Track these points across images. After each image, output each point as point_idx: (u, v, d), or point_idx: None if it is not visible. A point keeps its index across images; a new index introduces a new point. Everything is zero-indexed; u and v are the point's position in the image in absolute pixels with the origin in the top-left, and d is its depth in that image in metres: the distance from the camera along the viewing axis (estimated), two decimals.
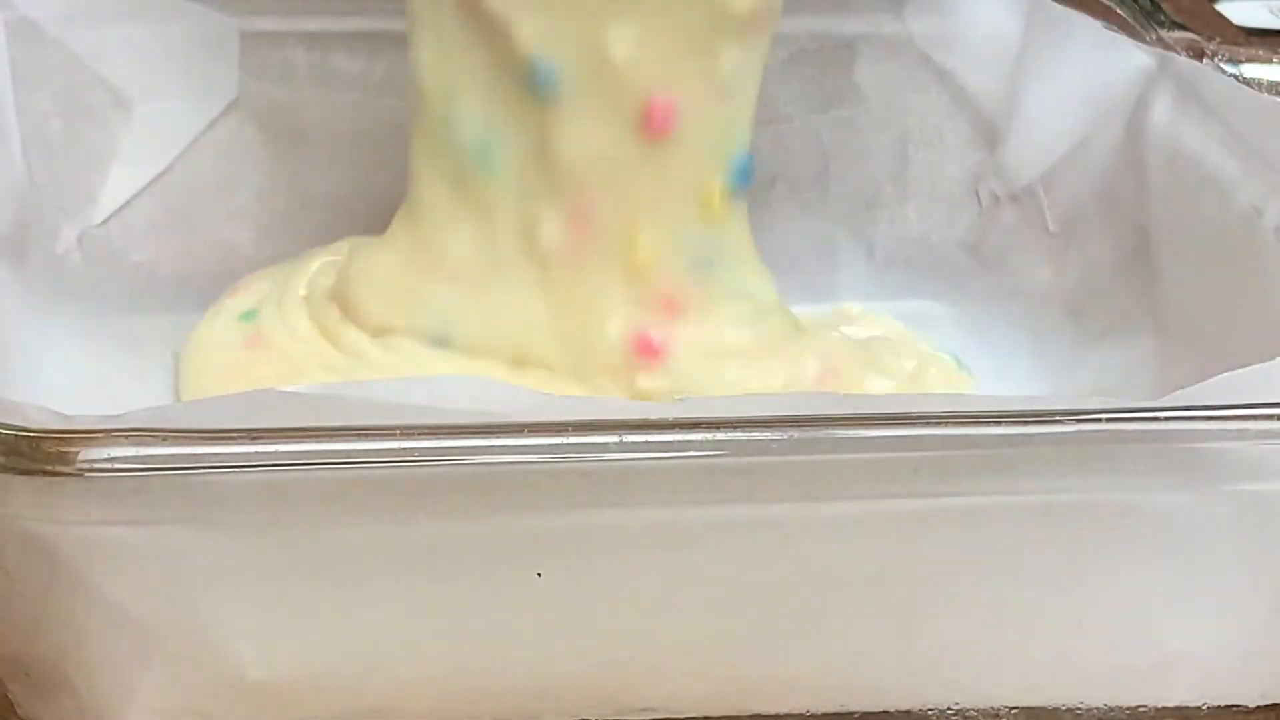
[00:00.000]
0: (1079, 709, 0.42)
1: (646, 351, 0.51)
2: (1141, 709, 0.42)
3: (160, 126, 0.60)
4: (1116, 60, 0.58)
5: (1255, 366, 0.41)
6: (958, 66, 0.63)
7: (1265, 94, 0.54)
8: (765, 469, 0.39)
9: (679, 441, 0.38)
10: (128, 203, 0.60)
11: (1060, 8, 0.60)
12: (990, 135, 0.62)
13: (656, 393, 0.51)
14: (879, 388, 0.55)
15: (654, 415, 0.39)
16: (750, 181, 0.52)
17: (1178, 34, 0.57)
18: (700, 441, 0.38)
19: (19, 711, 0.39)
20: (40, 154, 0.58)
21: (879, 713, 0.42)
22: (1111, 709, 0.42)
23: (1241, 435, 0.40)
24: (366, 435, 0.37)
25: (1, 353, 0.48)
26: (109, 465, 0.36)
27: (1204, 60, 0.56)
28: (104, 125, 0.60)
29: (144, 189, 0.61)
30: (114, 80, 0.60)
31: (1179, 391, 0.41)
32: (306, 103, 0.61)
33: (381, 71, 0.60)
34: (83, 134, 0.60)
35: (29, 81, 0.58)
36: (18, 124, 0.57)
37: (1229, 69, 0.55)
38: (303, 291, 0.56)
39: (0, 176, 0.56)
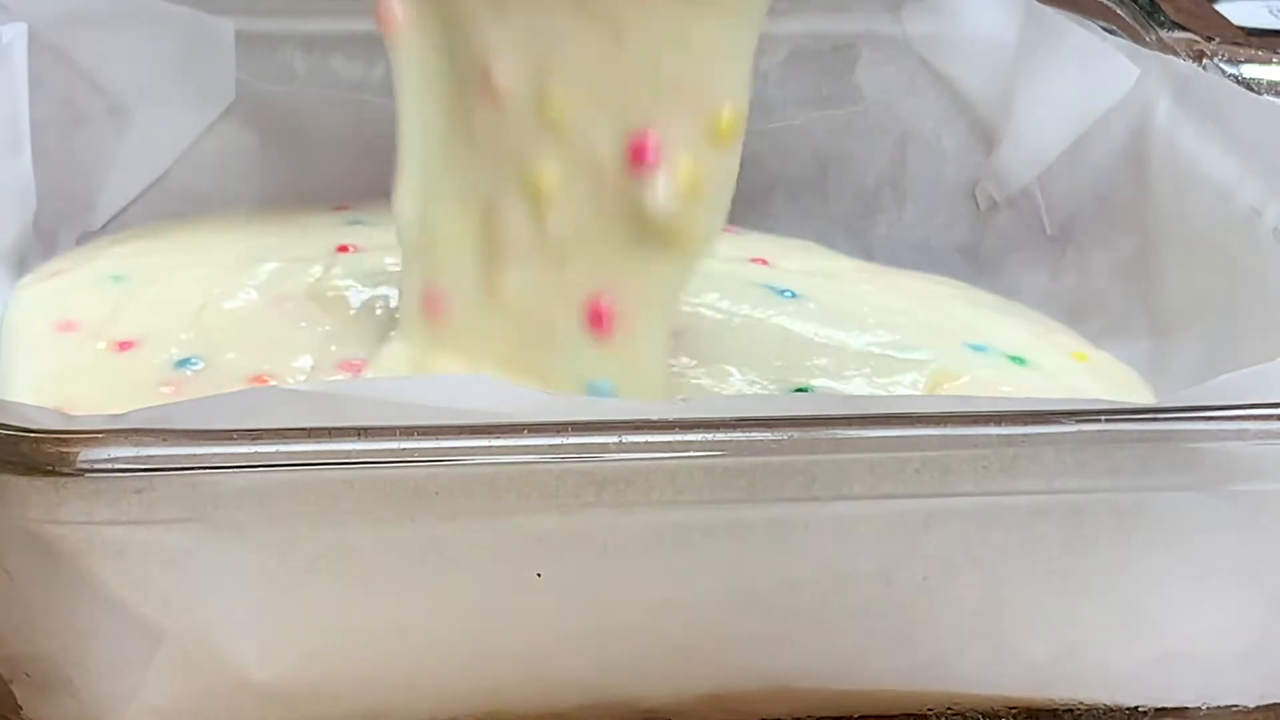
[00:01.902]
0: (1078, 709, 0.42)
1: None
2: (1141, 709, 0.42)
3: (157, 131, 0.60)
4: (1111, 63, 0.58)
5: (1255, 367, 0.41)
6: (955, 69, 0.63)
7: (1264, 94, 0.54)
8: (765, 469, 0.39)
9: (679, 442, 0.38)
10: (125, 208, 0.60)
11: (1055, 10, 0.60)
12: (988, 139, 0.62)
13: None
14: None
15: (654, 415, 0.39)
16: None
17: (1178, 34, 0.57)
18: (700, 442, 0.38)
19: (22, 713, 0.39)
20: (38, 160, 0.58)
21: (878, 716, 0.42)
22: (1111, 709, 0.42)
23: (1241, 435, 0.40)
24: (366, 435, 0.37)
25: (2, 355, 0.48)
26: (110, 465, 0.36)
27: (1203, 60, 0.56)
28: (101, 130, 0.60)
29: (141, 194, 0.61)
30: (110, 85, 0.60)
31: (1179, 391, 0.41)
32: (305, 106, 0.61)
33: (381, 74, 0.60)
34: (80, 139, 0.60)
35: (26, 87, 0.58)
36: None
37: (1229, 69, 0.55)
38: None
39: (13, 186, 0.56)
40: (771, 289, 0.56)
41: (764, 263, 0.58)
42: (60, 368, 0.49)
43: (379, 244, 0.56)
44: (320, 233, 0.58)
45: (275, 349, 0.50)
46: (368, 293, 0.53)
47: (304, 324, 0.51)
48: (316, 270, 0.54)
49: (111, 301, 0.53)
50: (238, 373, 0.48)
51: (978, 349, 0.53)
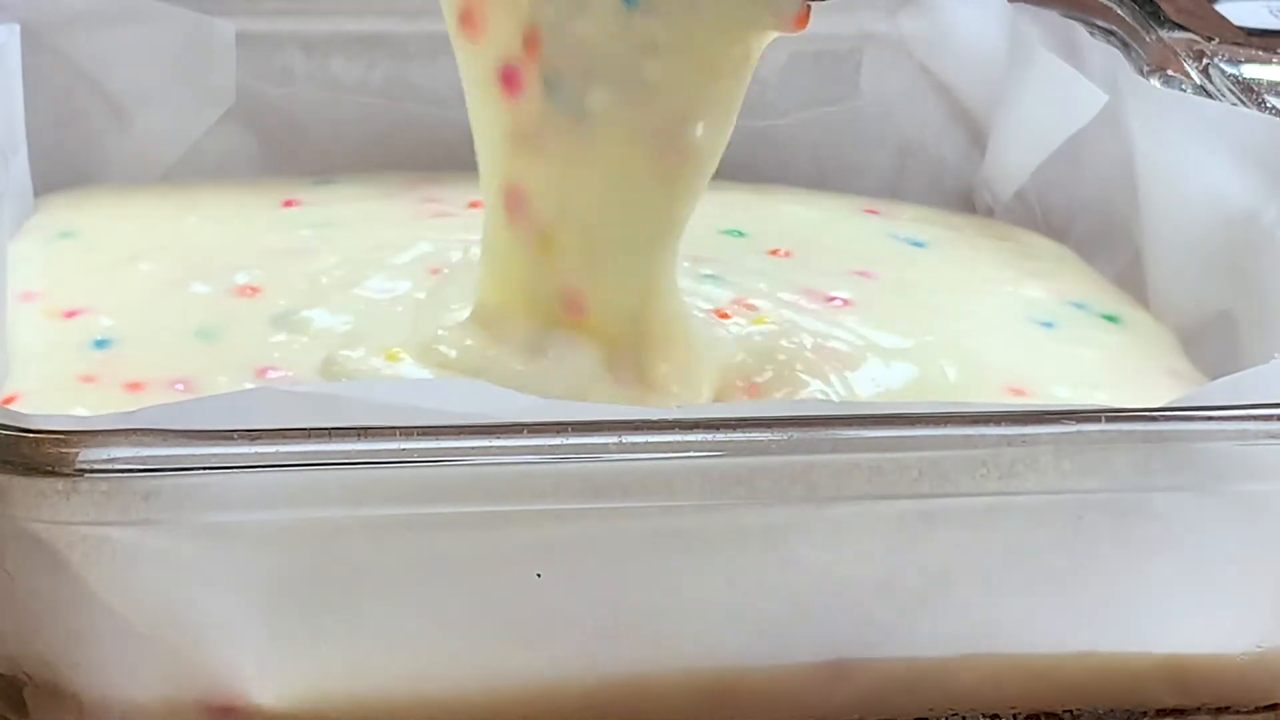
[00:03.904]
0: (1079, 710, 0.42)
1: None
2: (1141, 709, 0.42)
3: (157, 131, 0.60)
4: (1079, 89, 0.58)
5: (1255, 367, 0.41)
6: (951, 74, 0.63)
7: (1265, 95, 0.54)
8: (765, 470, 0.39)
9: (679, 442, 0.38)
10: None
11: (1044, 12, 0.60)
12: (984, 144, 0.63)
13: None
14: None
15: (654, 416, 0.39)
16: None
17: (1178, 34, 0.57)
18: (700, 442, 0.38)
19: (25, 713, 0.39)
20: (37, 160, 0.58)
21: (879, 717, 0.42)
22: (1111, 710, 0.42)
23: (1241, 435, 0.40)
24: (366, 435, 0.37)
25: (3, 356, 0.48)
26: (109, 466, 0.36)
27: (1203, 60, 0.56)
28: (101, 131, 0.60)
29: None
30: (110, 86, 0.60)
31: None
32: (305, 108, 0.61)
33: (381, 76, 0.61)
34: (80, 139, 0.60)
35: (25, 88, 0.58)
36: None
37: (1229, 69, 0.55)
38: None
39: (10, 188, 0.56)
40: (903, 240, 0.58)
41: (876, 212, 0.60)
42: (16, 349, 0.50)
43: (332, 198, 0.56)
44: (270, 188, 0.58)
45: (161, 333, 0.50)
46: (273, 259, 0.53)
47: (188, 300, 0.51)
48: (239, 228, 0.55)
49: (58, 262, 0.54)
50: (121, 375, 0.48)
51: (1079, 306, 0.55)
